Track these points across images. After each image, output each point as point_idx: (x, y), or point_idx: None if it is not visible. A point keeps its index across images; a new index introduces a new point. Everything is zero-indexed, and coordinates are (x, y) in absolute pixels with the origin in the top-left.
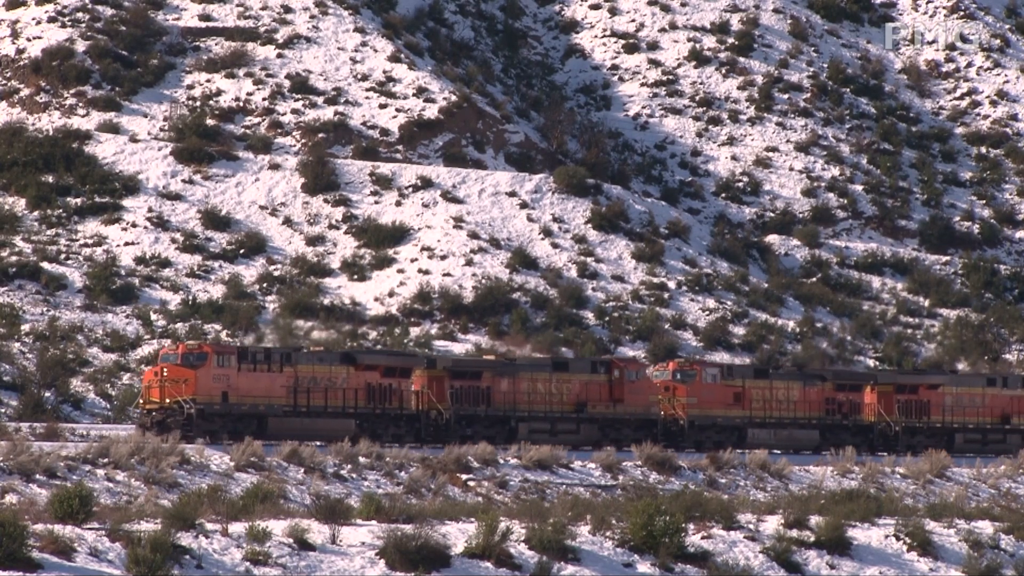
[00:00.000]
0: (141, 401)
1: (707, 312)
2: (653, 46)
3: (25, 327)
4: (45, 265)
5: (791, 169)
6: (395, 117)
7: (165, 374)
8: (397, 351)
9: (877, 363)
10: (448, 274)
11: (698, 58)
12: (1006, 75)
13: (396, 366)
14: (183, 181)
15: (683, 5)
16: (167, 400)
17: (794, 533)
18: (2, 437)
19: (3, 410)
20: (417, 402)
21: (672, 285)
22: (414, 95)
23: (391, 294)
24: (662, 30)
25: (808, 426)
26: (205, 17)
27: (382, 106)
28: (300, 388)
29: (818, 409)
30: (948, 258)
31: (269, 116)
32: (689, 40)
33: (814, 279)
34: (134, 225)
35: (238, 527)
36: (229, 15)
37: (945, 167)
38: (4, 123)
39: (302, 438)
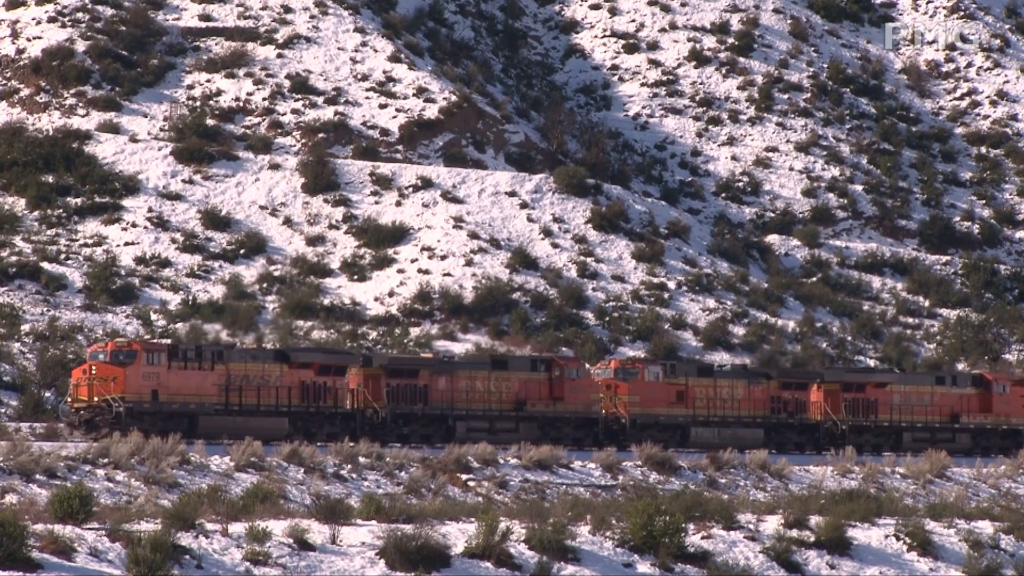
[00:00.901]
0: (69, 399)
1: (707, 312)
2: (653, 46)
3: (25, 327)
4: (45, 265)
5: (791, 169)
6: (395, 117)
7: (94, 372)
8: (332, 349)
9: (877, 363)
10: (448, 274)
11: (698, 58)
12: (1006, 75)
13: (331, 364)
14: (183, 181)
15: (683, 5)
16: (96, 398)
17: (794, 533)
18: (2, 437)
19: (3, 410)
20: (353, 400)
21: (672, 285)
22: (414, 95)
23: (391, 294)
24: (662, 30)
25: (753, 425)
26: (205, 17)
27: (382, 106)
28: (232, 386)
29: (763, 408)
30: (948, 258)
31: (269, 116)
32: (689, 40)
33: (814, 279)
34: (134, 225)
35: (238, 527)
36: (229, 15)
37: (945, 167)
38: (4, 123)
39: (234, 437)
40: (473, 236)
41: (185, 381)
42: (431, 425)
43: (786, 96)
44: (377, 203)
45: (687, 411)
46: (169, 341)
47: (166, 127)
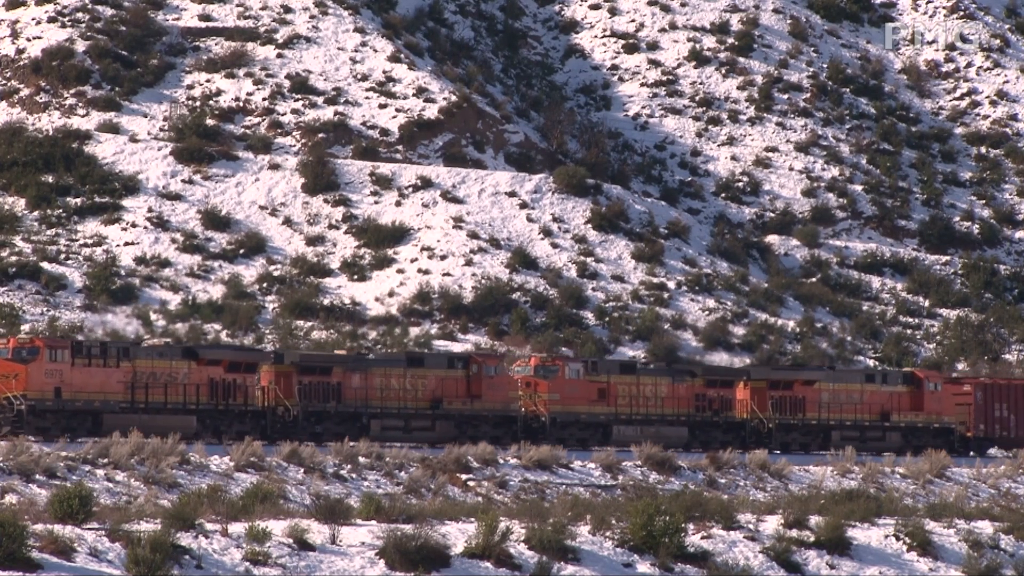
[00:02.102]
0: None
1: (707, 312)
2: (653, 46)
3: (25, 327)
4: (45, 265)
5: (791, 169)
6: (395, 117)
7: None
8: (242, 346)
9: (877, 363)
10: (448, 274)
11: (698, 58)
12: (1006, 75)
13: (241, 361)
14: (183, 181)
15: (683, 5)
16: None
17: (794, 533)
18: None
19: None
20: (263, 398)
21: (672, 285)
22: (414, 95)
23: (391, 294)
24: (662, 30)
25: (677, 423)
26: (205, 17)
27: (382, 106)
28: (138, 383)
29: (687, 405)
30: (948, 258)
31: (269, 116)
32: (689, 40)
33: (814, 279)
34: (134, 225)
35: (238, 527)
36: (229, 15)
37: (945, 167)
38: (4, 123)
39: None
40: (473, 236)
41: (89, 378)
42: (344, 423)
43: (786, 96)
44: (377, 203)
45: (609, 409)
46: (77, 337)
47: (166, 127)
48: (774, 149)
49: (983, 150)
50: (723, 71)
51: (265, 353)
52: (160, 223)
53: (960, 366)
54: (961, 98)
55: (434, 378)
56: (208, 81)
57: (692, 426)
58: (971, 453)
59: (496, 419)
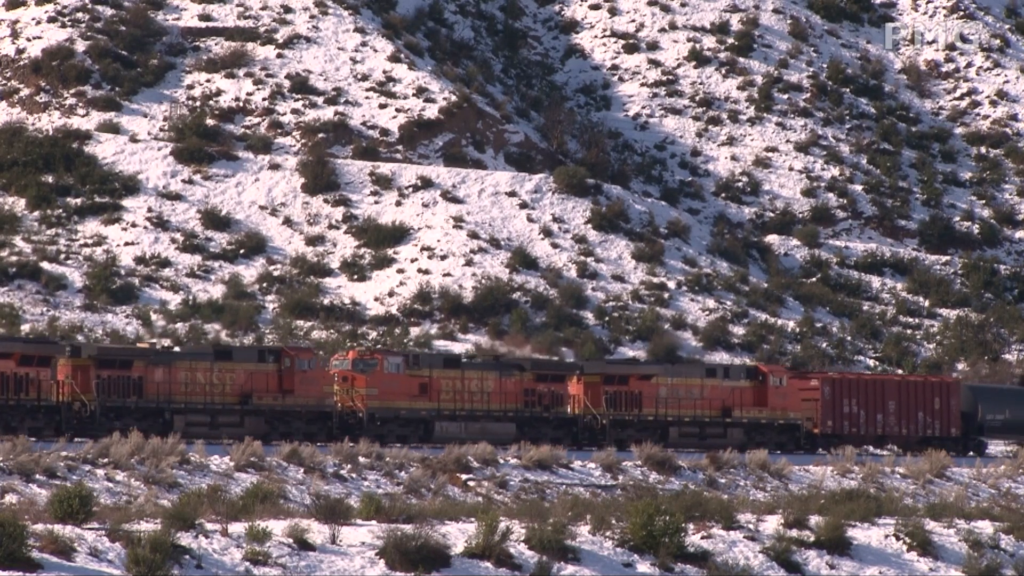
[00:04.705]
0: None
1: (707, 312)
2: (653, 46)
3: (25, 327)
4: (45, 265)
5: (791, 169)
6: (395, 117)
7: None
8: (35, 338)
9: (877, 363)
10: (448, 274)
11: (698, 58)
12: (1006, 75)
13: (34, 354)
14: (183, 181)
15: (683, 5)
16: None
17: (794, 533)
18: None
19: None
20: (58, 393)
21: (672, 285)
22: (414, 95)
23: (391, 294)
24: (662, 30)
25: (504, 419)
26: (205, 17)
27: (382, 106)
28: None
29: (515, 401)
30: (948, 258)
31: (269, 116)
32: (689, 40)
33: (814, 279)
34: (134, 225)
35: (238, 527)
36: (229, 15)
37: (945, 167)
38: (4, 123)
39: None
40: (473, 236)
41: None
42: (146, 419)
43: (786, 96)
44: (377, 203)
45: (431, 404)
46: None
47: (166, 127)
48: (774, 149)
49: (983, 150)
50: (723, 71)
51: (60, 345)
52: (160, 223)
53: (960, 366)
54: (961, 98)
55: (243, 372)
56: (208, 81)
57: (520, 422)
58: (819, 450)
59: (310, 415)
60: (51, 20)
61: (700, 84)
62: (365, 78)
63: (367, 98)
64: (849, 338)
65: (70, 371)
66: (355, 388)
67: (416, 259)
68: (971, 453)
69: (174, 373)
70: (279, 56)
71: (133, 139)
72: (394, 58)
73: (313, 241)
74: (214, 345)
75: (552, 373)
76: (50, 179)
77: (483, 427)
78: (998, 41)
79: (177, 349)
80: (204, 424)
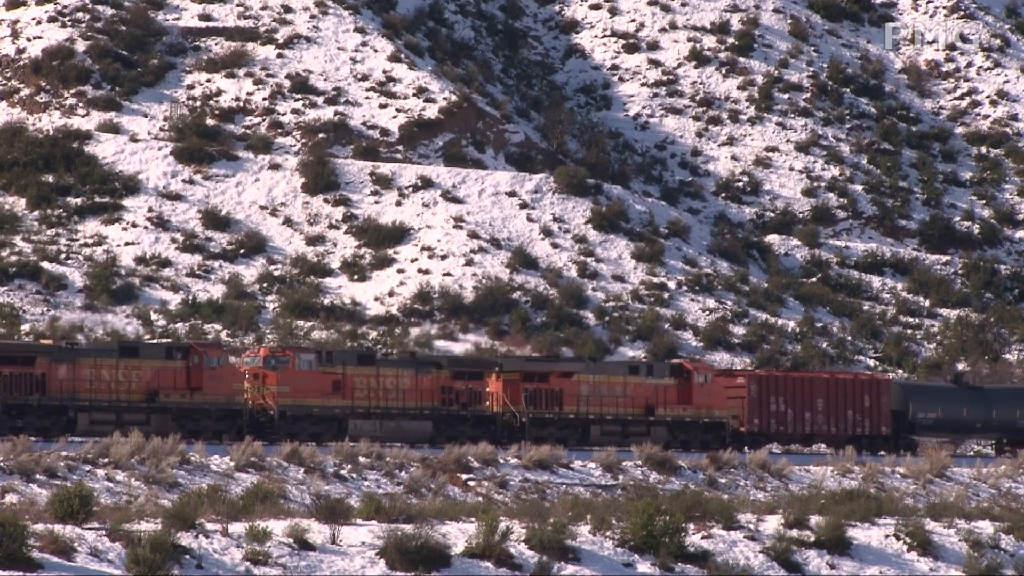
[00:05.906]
0: None
1: (707, 312)
2: (653, 46)
3: (25, 327)
4: (45, 265)
5: (791, 169)
6: (395, 117)
7: None
8: None
9: (877, 363)
10: (448, 274)
11: (698, 58)
12: (1006, 75)
13: None
14: (183, 181)
15: (683, 5)
16: None
17: (794, 533)
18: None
19: None
20: None
21: (672, 285)
22: (414, 95)
23: (391, 294)
24: (662, 30)
25: (420, 417)
26: (205, 17)
27: (382, 106)
28: None
29: (432, 398)
30: (948, 258)
31: (269, 116)
32: (689, 40)
33: (814, 279)
34: (134, 225)
35: (238, 527)
36: (229, 15)
37: (945, 167)
38: (4, 123)
39: None
40: (473, 236)
41: None
42: (49, 417)
43: (786, 96)
44: (377, 203)
45: (345, 402)
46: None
47: (166, 127)
48: (774, 149)
49: (983, 150)
50: (723, 71)
51: None
52: (160, 223)
53: (960, 366)
54: (961, 98)
55: (150, 369)
56: (208, 81)
57: (437, 420)
58: (745, 449)
59: (219, 413)
60: (51, 20)
61: (700, 84)
62: (365, 78)
63: (367, 98)
64: (849, 338)
65: None
66: (266, 385)
67: (416, 259)
68: (902, 452)
69: (78, 370)
70: (279, 56)
71: (133, 139)
72: (394, 58)
73: (313, 241)
74: (119, 341)
75: (470, 371)
76: (50, 179)
77: (398, 425)
78: (998, 41)
79: (82, 341)
80: (109, 422)
